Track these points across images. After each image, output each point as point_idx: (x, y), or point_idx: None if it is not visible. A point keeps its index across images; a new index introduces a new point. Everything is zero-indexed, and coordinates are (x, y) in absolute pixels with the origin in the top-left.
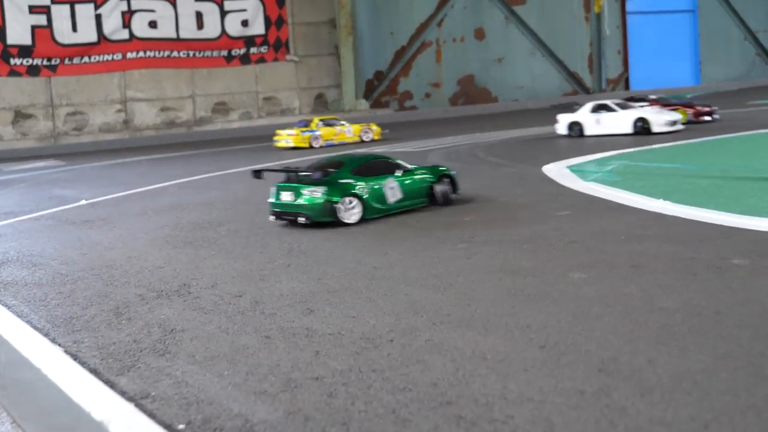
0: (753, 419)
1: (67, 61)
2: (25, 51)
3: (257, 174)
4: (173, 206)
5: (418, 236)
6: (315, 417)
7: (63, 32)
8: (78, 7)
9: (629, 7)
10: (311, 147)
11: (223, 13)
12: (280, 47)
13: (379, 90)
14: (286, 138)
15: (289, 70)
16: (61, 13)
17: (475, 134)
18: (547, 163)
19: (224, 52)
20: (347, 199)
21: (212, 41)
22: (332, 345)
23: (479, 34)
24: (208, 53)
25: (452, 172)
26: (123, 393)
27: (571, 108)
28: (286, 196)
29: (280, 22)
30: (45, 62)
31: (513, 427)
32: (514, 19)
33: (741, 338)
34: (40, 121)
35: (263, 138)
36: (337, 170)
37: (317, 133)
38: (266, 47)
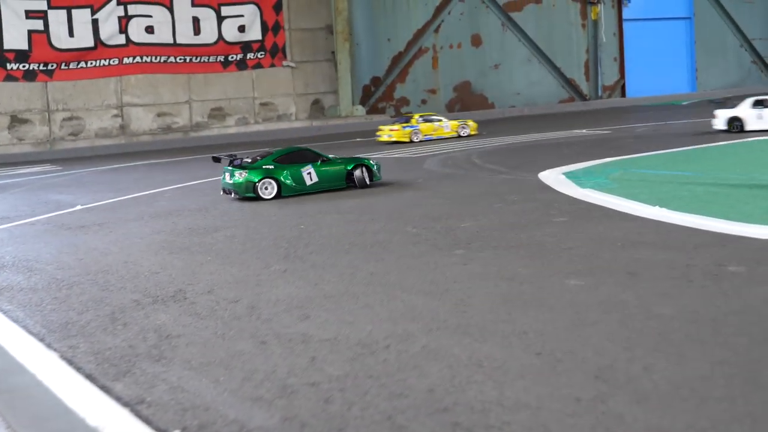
0: (749, 426)
1: (63, 66)
2: (21, 56)
3: (216, 159)
4: (169, 211)
5: (415, 243)
6: (311, 423)
7: (60, 37)
8: (75, 12)
9: (626, 14)
10: (411, 141)
11: (220, 19)
12: (276, 53)
13: (375, 96)
14: (388, 132)
15: (286, 76)
16: (57, 18)
17: (471, 140)
18: (544, 169)
19: (221, 58)
20: (265, 180)
21: (209, 47)
22: (328, 351)
23: (476, 41)
24: (204, 59)
25: (371, 163)
26: (118, 398)
27: (724, 104)
28: (227, 177)
29: (277, 27)
30: (41, 67)
31: None
32: (511, 25)
33: (737, 345)
34: (37, 126)
35: (259, 144)
36: (263, 158)
37: (417, 128)
38: (263, 53)
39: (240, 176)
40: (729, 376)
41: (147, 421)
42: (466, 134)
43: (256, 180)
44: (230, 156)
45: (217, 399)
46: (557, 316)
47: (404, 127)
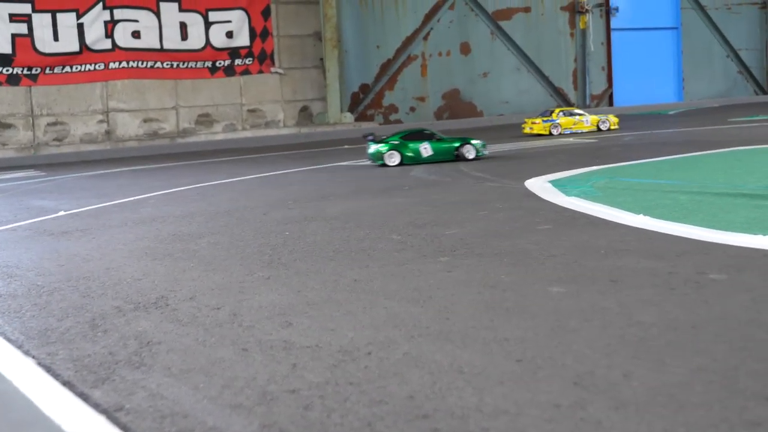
0: None
1: (48, 71)
2: (5, 60)
3: (365, 136)
4: (153, 218)
5: (399, 250)
6: (290, 430)
7: (44, 41)
8: (60, 16)
9: (614, 23)
10: (551, 134)
11: (208, 24)
12: (265, 59)
13: (364, 103)
14: (530, 126)
15: (274, 83)
16: (42, 21)
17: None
18: (530, 177)
19: (208, 64)
20: (391, 152)
21: (196, 52)
22: (310, 358)
23: (465, 49)
24: (192, 64)
25: (475, 143)
26: (96, 405)
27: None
28: (368, 149)
29: (265, 34)
30: (25, 71)
31: None
32: (500, 34)
33: (716, 352)
34: (20, 131)
35: (247, 150)
36: (391, 136)
37: (557, 122)
38: (251, 59)
39: (374, 149)
40: (707, 382)
41: (125, 428)
42: (606, 128)
43: (384, 151)
44: (371, 135)
45: (197, 406)
46: (539, 323)
47: (545, 121)
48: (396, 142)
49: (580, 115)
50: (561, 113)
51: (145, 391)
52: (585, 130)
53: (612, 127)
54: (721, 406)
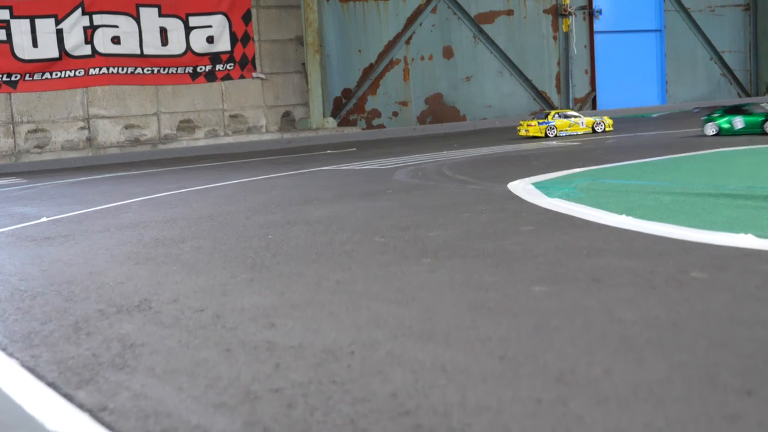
0: (705, 426)
1: (27, 77)
2: None
3: (694, 110)
4: (136, 223)
5: (382, 252)
6: (273, 428)
7: (23, 47)
8: (38, 22)
9: (597, 26)
10: (546, 136)
11: (188, 30)
12: (246, 64)
13: (347, 108)
14: (525, 128)
15: (256, 88)
16: (20, 27)
17: (442, 152)
18: (513, 180)
19: (189, 69)
20: (710, 124)
21: (177, 58)
22: (293, 357)
23: (447, 53)
24: (172, 70)
25: None
26: (80, 406)
27: None
28: (704, 123)
29: (246, 38)
30: (5, 78)
31: None
32: (483, 38)
33: (697, 349)
34: (1, 138)
35: (229, 156)
36: (715, 110)
37: (552, 124)
38: (232, 64)
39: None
40: (687, 378)
41: (109, 427)
42: (601, 130)
43: (708, 121)
44: (697, 109)
45: (180, 405)
46: (521, 322)
47: (540, 123)
48: (716, 115)
49: (575, 117)
50: (556, 115)
51: (129, 391)
52: (580, 132)
53: (607, 129)
54: (701, 400)
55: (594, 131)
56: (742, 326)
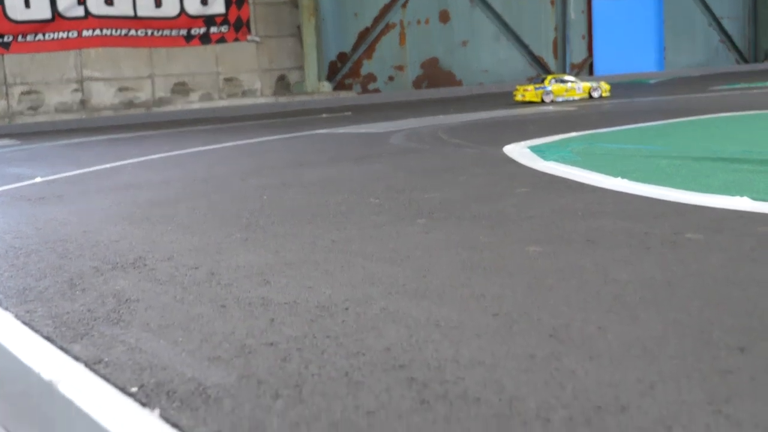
0: (698, 381)
1: (20, 39)
2: None
3: None
4: (130, 184)
5: (377, 213)
6: (268, 381)
7: (15, 8)
8: None
9: None
10: (542, 102)
11: None
12: (241, 27)
13: (342, 72)
14: (522, 93)
15: (251, 51)
16: None
17: (438, 117)
18: (509, 144)
19: (183, 32)
20: None
21: (171, 20)
22: (287, 313)
23: (444, 17)
24: (166, 32)
25: None
26: (76, 359)
27: None
28: None
29: (241, 1)
30: None
31: (463, 388)
32: (480, 2)
33: (691, 307)
34: None
35: (224, 119)
36: None
37: (549, 89)
38: (227, 27)
39: None
40: (681, 335)
41: (105, 378)
42: (598, 95)
43: None
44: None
45: (175, 359)
46: (515, 281)
47: (537, 88)
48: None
49: (572, 82)
50: (553, 80)
51: (124, 345)
52: (577, 97)
53: (604, 95)
54: (694, 357)
55: (591, 97)
56: (736, 286)
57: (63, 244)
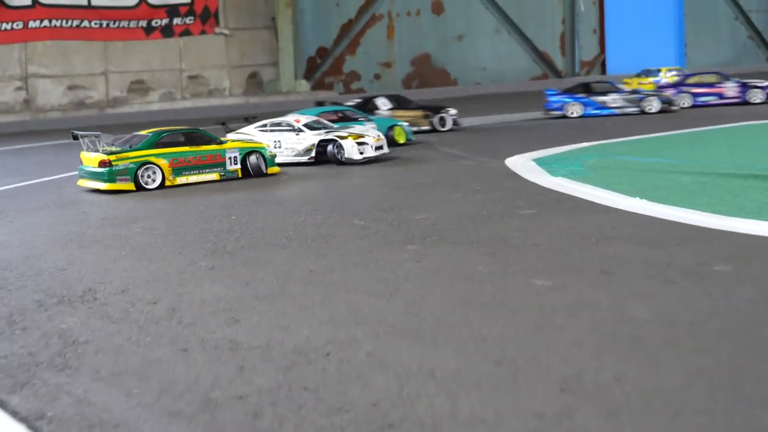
0: None
1: None
2: None
3: None
4: (80, 199)
5: (362, 237)
6: None
7: None
8: None
9: None
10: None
11: None
12: (208, 18)
13: (322, 69)
14: None
15: (219, 46)
16: None
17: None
18: (511, 155)
19: (143, 23)
20: None
21: (129, 10)
22: (259, 359)
23: (437, 8)
24: (124, 24)
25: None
26: (15, 413)
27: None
28: None
29: None
30: None
31: None
32: None
33: (719, 352)
34: None
35: (187, 122)
36: None
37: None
38: (192, 18)
39: None
40: (709, 386)
41: None
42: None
43: None
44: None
45: (129, 414)
46: (520, 319)
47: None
48: None
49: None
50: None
51: (71, 396)
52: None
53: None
54: (724, 413)
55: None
56: None
57: (2, 272)
